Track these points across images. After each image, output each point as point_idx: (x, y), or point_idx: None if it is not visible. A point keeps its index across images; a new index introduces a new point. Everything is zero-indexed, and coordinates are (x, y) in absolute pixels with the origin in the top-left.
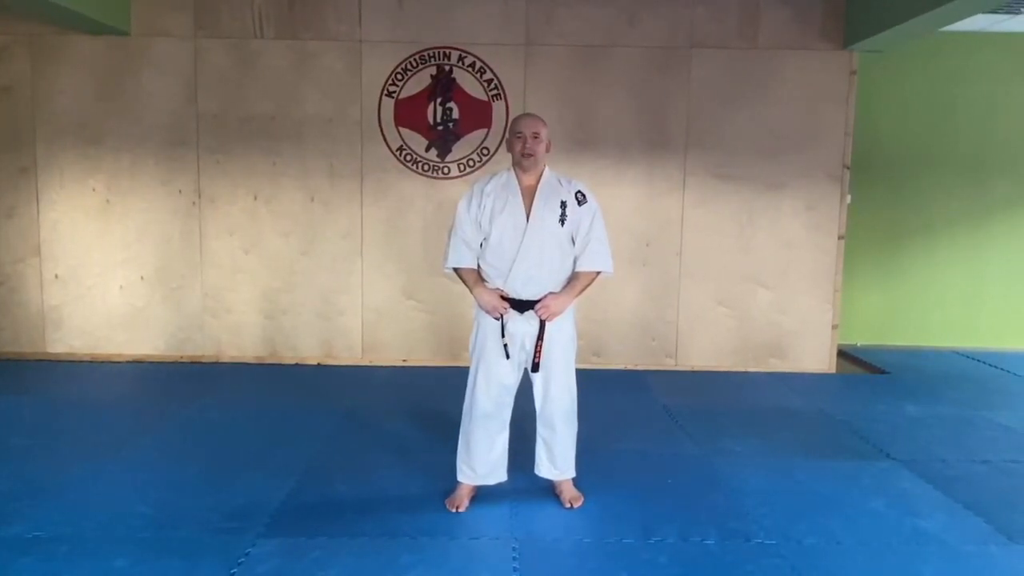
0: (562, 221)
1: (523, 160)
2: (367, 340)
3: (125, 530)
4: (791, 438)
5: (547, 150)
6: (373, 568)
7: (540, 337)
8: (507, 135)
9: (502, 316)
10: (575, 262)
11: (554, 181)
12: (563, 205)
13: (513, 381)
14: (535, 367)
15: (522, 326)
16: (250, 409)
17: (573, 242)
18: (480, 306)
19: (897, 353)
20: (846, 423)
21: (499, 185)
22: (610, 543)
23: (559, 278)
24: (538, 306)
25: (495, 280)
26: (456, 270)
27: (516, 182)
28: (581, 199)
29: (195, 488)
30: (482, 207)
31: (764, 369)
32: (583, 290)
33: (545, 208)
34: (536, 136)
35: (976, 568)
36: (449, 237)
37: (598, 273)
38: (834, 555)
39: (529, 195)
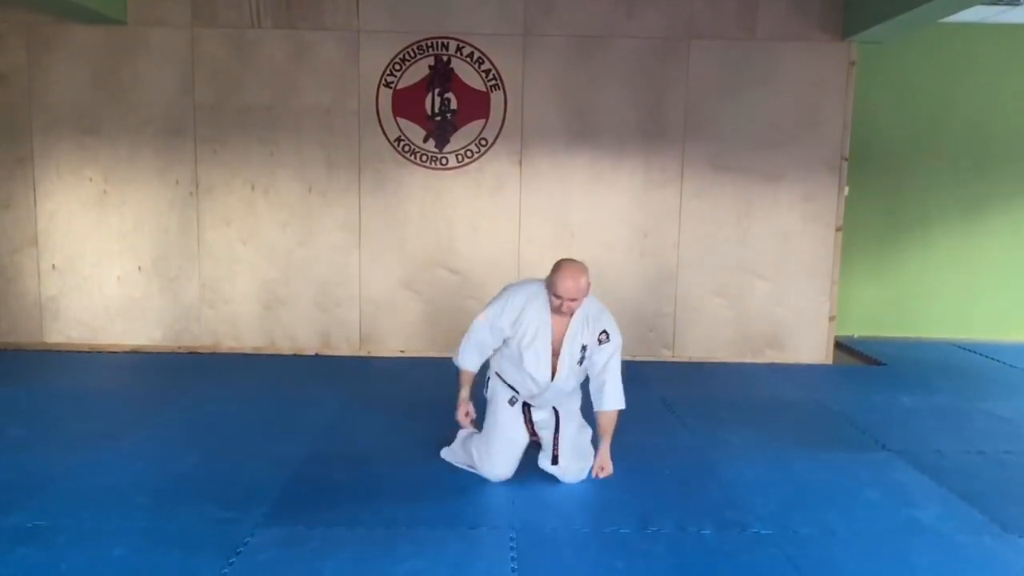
0: (580, 361)
1: (558, 313)
2: (365, 331)
3: (123, 520)
4: (787, 429)
5: (586, 293)
6: (371, 558)
7: (557, 430)
8: (551, 279)
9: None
10: (594, 399)
11: (579, 324)
12: (583, 349)
13: (523, 440)
14: (555, 460)
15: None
16: (248, 399)
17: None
18: (458, 399)
19: (893, 344)
20: (842, 414)
21: (534, 313)
22: (607, 533)
23: (574, 395)
24: (595, 471)
25: (514, 383)
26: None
27: (548, 317)
28: (604, 339)
29: (193, 478)
30: (515, 328)
31: (761, 360)
32: (614, 426)
33: (568, 356)
34: (574, 300)
35: (970, 558)
36: (466, 337)
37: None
38: (829, 545)
39: (559, 332)
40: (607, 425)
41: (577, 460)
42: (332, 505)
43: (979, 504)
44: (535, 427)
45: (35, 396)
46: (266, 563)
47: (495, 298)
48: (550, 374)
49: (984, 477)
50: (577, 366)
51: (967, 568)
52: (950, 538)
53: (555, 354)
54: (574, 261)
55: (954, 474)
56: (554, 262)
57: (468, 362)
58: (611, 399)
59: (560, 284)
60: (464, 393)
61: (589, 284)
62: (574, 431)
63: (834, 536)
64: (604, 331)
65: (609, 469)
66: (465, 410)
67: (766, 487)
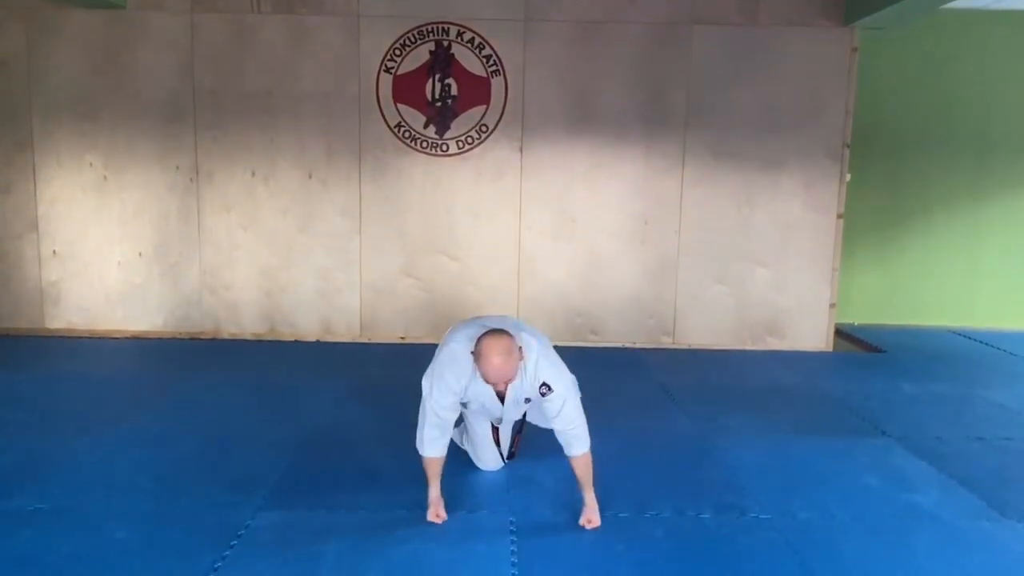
0: (527, 402)
1: (496, 388)
2: (365, 318)
3: (125, 503)
4: (787, 415)
5: (516, 368)
6: (371, 540)
7: (519, 432)
8: (478, 364)
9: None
10: (562, 445)
11: (517, 386)
12: (527, 400)
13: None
14: (511, 455)
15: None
16: (249, 385)
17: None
18: (427, 499)
19: (894, 332)
20: (842, 400)
21: (475, 389)
22: (606, 517)
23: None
24: (583, 523)
25: None
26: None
27: (491, 391)
28: (546, 391)
29: (195, 462)
30: (466, 397)
31: (761, 347)
32: (590, 471)
33: (513, 405)
34: (508, 381)
35: (968, 542)
36: (422, 419)
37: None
38: (828, 529)
39: (500, 397)
40: (582, 474)
41: None
42: (333, 489)
43: (978, 489)
44: (500, 436)
45: (36, 381)
46: (267, 545)
47: (433, 379)
48: (500, 409)
49: (983, 463)
50: (524, 407)
51: (965, 552)
52: (949, 522)
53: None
54: (497, 339)
55: (953, 460)
56: (480, 338)
57: (433, 449)
58: (574, 444)
59: (488, 372)
60: (434, 492)
61: (519, 353)
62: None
63: (833, 520)
64: (544, 384)
65: (596, 521)
66: (436, 511)
67: (765, 472)
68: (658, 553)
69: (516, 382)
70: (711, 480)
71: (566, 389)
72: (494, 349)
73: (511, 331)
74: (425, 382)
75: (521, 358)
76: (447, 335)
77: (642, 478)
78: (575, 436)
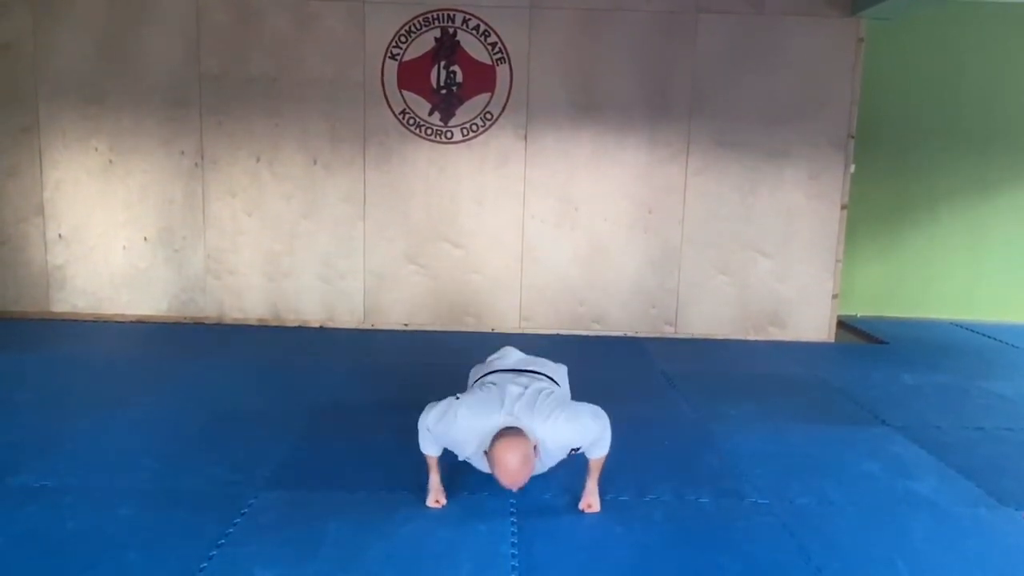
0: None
1: None
2: (369, 304)
3: (129, 481)
4: (787, 404)
5: (532, 466)
6: (372, 521)
7: None
8: (490, 461)
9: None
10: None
11: (539, 464)
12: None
13: None
14: None
15: None
16: (253, 368)
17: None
18: (428, 485)
19: (896, 324)
20: (843, 390)
21: (475, 458)
22: (606, 500)
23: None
24: (583, 507)
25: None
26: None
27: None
28: (574, 452)
29: (198, 443)
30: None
31: (763, 337)
32: (602, 465)
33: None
34: (521, 488)
35: (965, 528)
36: (422, 430)
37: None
38: (826, 514)
39: None
40: (593, 466)
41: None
42: (335, 470)
43: (976, 478)
44: None
45: (42, 363)
46: (269, 524)
47: (435, 420)
48: None
49: (982, 452)
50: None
51: (961, 538)
52: (946, 510)
53: None
54: (513, 447)
55: (952, 449)
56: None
57: (432, 450)
58: (595, 451)
59: (501, 478)
60: (434, 479)
61: (534, 452)
62: None
63: (831, 506)
64: (572, 449)
65: (596, 506)
66: (436, 497)
67: (764, 458)
68: (657, 535)
69: (537, 462)
70: (710, 466)
71: (591, 438)
72: (508, 455)
73: (527, 410)
74: (430, 414)
75: (536, 456)
76: (465, 395)
77: (642, 463)
78: (598, 449)
